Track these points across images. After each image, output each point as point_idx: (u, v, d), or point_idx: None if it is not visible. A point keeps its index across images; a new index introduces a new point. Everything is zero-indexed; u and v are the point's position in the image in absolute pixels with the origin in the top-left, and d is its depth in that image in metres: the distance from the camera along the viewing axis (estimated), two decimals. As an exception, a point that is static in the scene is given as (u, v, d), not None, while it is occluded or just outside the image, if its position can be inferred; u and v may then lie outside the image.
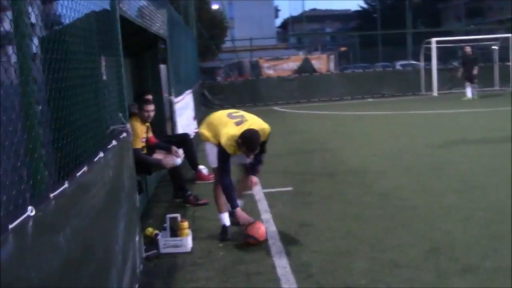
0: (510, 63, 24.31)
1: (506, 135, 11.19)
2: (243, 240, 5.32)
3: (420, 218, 6.00)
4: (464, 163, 9.02)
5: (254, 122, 5.50)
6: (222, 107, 22.16)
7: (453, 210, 6.22)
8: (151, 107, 6.70)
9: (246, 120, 5.44)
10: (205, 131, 5.68)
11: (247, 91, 23.49)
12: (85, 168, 2.79)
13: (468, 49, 21.71)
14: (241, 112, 5.63)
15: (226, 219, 5.66)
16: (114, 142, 3.59)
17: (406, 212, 6.24)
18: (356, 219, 6.07)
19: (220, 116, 5.60)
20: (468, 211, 6.16)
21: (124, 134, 4.01)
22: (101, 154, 3.17)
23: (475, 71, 21.09)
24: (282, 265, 4.71)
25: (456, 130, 13.10)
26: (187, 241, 5.16)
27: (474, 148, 10.37)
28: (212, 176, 7.87)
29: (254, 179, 5.76)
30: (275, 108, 21.84)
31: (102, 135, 3.61)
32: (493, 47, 26.53)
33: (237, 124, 5.37)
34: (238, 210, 5.43)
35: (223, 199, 5.60)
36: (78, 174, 2.67)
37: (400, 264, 4.62)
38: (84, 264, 2.60)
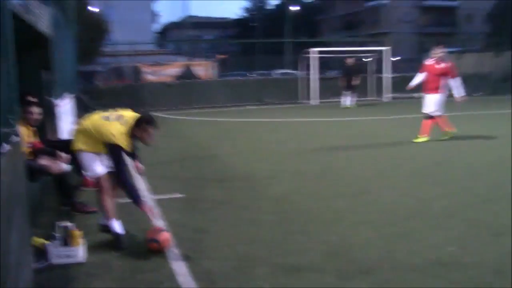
0: (382, 75, 25.59)
1: (386, 141, 11.74)
2: (146, 245, 5.09)
3: (314, 222, 6.08)
4: (349, 168, 9.32)
5: (130, 113, 5.42)
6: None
7: (345, 214, 6.37)
8: (37, 109, 6.30)
9: (122, 114, 5.35)
10: (78, 141, 5.41)
11: (128, 96, 22.84)
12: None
13: (349, 60, 22.80)
14: (111, 111, 5.49)
15: (118, 226, 5.41)
16: (6, 146, 3.29)
17: (301, 217, 6.31)
18: (252, 224, 6.04)
19: (96, 120, 5.37)
20: (359, 214, 6.34)
21: (17, 138, 3.70)
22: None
23: (356, 81, 22.25)
24: (182, 272, 4.56)
25: (339, 136, 13.57)
26: (80, 251, 4.86)
27: (358, 153, 10.76)
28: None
29: (140, 165, 5.84)
30: (157, 114, 21.46)
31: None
32: (366, 59, 27.85)
33: (117, 119, 5.26)
34: (146, 204, 5.35)
35: (111, 205, 5.42)
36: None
37: (301, 268, 4.64)
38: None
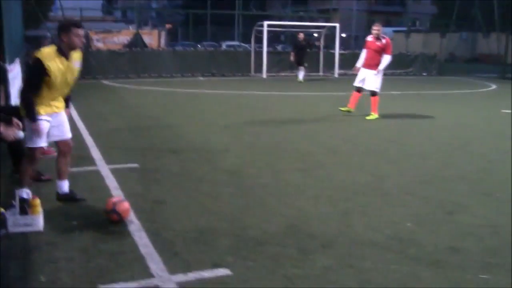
0: (335, 51, 25.79)
1: (337, 117, 11.92)
2: (106, 216, 5.03)
3: (272, 195, 6.14)
4: (303, 142, 9.41)
5: None
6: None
7: (302, 188, 6.45)
8: (-10, 74, 6.09)
9: None
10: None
11: (75, 63, 22.34)
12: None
13: (301, 35, 23.02)
14: None
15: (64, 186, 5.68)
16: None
17: (258, 190, 6.35)
18: (209, 196, 6.05)
19: None
20: (316, 189, 6.44)
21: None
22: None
23: (304, 57, 22.57)
24: (144, 243, 4.53)
25: (291, 110, 13.64)
26: (39, 220, 4.76)
27: (310, 127, 10.88)
28: (53, 150, 7.42)
29: (69, 111, 5.88)
30: (105, 82, 21.07)
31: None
32: (315, 34, 28.01)
33: None
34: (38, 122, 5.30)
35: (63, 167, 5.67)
36: None
37: (262, 241, 4.69)
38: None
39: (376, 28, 12.08)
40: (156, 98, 16.22)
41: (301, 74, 22.63)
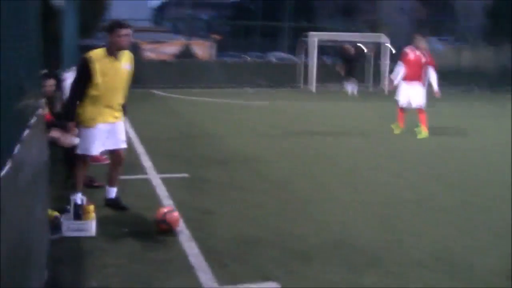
0: (381, 62, 25.55)
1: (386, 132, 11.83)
2: (155, 226, 5.11)
3: (319, 209, 6.15)
4: (350, 156, 9.38)
5: None
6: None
7: (351, 204, 6.40)
8: (50, 81, 6.29)
9: None
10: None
11: (126, 73, 22.80)
12: (18, 146, 2.54)
13: (349, 47, 22.79)
14: None
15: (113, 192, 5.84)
16: (35, 118, 3.30)
17: (305, 202, 6.38)
18: (257, 207, 6.10)
19: None
20: (365, 205, 6.37)
21: (40, 110, 3.71)
22: (27, 131, 2.90)
23: (353, 69, 22.34)
24: (193, 253, 4.60)
25: (341, 123, 13.57)
26: (92, 225, 4.89)
27: (358, 142, 10.82)
28: (105, 157, 7.61)
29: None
30: (155, 91, 21.41)
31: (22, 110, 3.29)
32: (364, 48, 27.76)
33: None
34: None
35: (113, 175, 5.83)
36: (15, 153, 2.42)
37: (310, 255, 4.68)
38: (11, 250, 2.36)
39: (421, 40, 11.64)
40: (204, 108, 16.41)
41: (350, 87, 22.30)
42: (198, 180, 7.24)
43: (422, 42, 11.56)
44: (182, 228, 5.20)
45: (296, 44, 26.76)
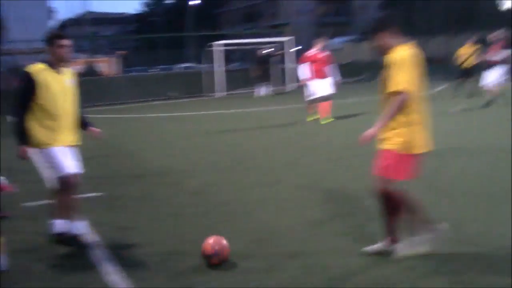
0: (284, 66, 26.07)
1: (296, 129, 12.04)
2: (206, 262, 4.59)
3: (236, 212, 6.20)
4: (263, 157, 9.51)
5: None
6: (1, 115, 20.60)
7: (265, 202, 6.52)
8: None
9: None
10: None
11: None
12: None
13: (259, 52, 23.30)
14: None
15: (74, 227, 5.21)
16: None
17: (222, 208, 6.41)
18: (174, 218, 6.08)
19: None
20: (278, 202, 6.51)
21: None
22: None
23: (266, 72, 22.95)
24: (111, 271, 4.52)
25: (251, 126, 13.69)
26: (4, 259, 4.68)
27: (271, 143, 10.99)
28: (10, 186, 7.33)
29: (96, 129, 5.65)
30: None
31: None
32: (264, 51, 28.28)
33: None
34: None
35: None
36: None
37: (231, 257, 4.71)
38: None
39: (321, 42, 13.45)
40: (114, 125, 16.10)
41: (263, 90, 22.87)
42: (113, 198, 7.13)
43: (321, 43, 13.31)
44: (101, 247, 5.11)
45: (202, 54, 26.85)
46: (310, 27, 67.67)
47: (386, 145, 4.31)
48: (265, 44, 27.95)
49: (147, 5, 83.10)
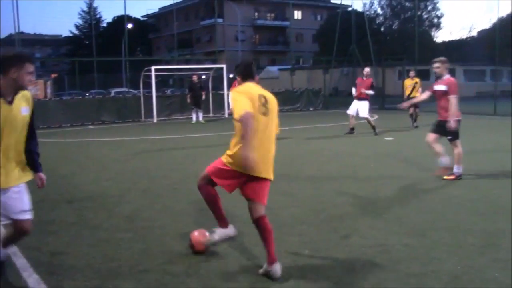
0: (224, 92, 26.26)
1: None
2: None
3: (170, 236, 6.21)
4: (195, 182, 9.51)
5: None
6: None
7: (201, 226, 6.54)
8: None
9: None
10: None
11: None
12: None
13: (195, 78, 23.50)
14: None
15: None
16: None
17: (156, 232, 6.40)
18: (109, 243, 6.03)
19: None
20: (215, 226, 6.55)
21: None
22: None
23: (203, 97, 23.07)
24: (46, 296, 4.47)
25: (185, 152, 13.71)
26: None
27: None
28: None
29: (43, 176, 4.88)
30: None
31: None
32: (203, 76, 28.57)
33: None
34: None
35: None
36: None
37: (165, 281, 4.75)
38: None
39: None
40: (46, 149, 15.66)
41: (200, 116, 23.16)
42: (43, 222, 6.97)
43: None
44: (30, 272, 5.03)
45: (137, 78, 26.75)
46: (246, 54, 68.46)
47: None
48: (199, 70, 28.19)
49: (79, 28, 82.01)
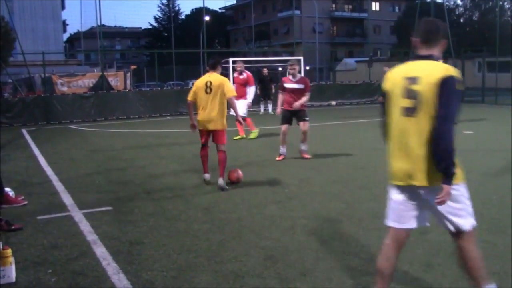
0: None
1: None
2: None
3: (247, 229, 6.15)
4: (274, 175, 9.45)
5: None
6: (11, 126, 20.76)
7: (277, 220, 6.47)
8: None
9: None
10: None
11: (40, 109, 22.11)
12: None
13: (265, 71, 23.74)
14: None
15: None
16: None
17: (233, 224, 6.36)
18: (186, 234, 6.04)
19: None
20: (290, 219, 6.46)
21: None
22: None
23: (272, 90, 23.14)
24: (123, 286, 4.49)
25: (260, 142, 13.66)
26: (11, 270, 4.65)
27: (285, 161, 10.91)
28: (22, 199, 7.43)
29: None
30: (71, 126, 20.92)
31: None
32: (279, 69, 28.54)
33: None
34: None
35: None
36: None
37: (242, 274, 4.69)
38: None
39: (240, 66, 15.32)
40: (125, 140, 16.14)
41: (269, 107, 23.42)
42: (122, 212, 7.09)
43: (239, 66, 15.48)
44: (109, 261, 5.08)
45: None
46: (323, 46, 67.92)
47: None
48: (276, 62, 28.13)
49: (158, 20, 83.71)
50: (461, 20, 64.68)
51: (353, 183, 8.60)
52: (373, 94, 28.95)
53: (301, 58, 26.52)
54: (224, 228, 6.20)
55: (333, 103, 26.05)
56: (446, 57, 21.04)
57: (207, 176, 8.76)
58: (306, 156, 11.02)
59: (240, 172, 8.79)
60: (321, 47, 66.29)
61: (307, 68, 25.82)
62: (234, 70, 15.09)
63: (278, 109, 11.20)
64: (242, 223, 6.39)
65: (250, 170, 9.99)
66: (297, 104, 10.70)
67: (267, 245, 5.51)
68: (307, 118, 10.92)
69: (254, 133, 14.84)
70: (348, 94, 28.45)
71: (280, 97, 11.22)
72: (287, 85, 10.91)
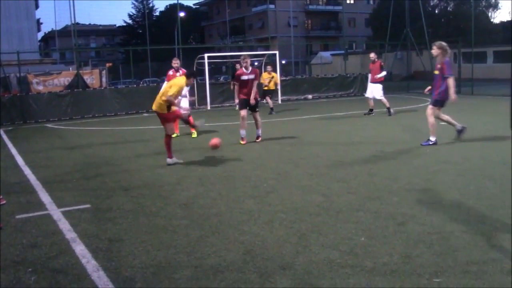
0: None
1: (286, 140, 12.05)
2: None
3: (226, 224, 6.19)
4: (252, 169, 9.50)
5: None
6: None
7: (255, 214, 6.52)
8: None
9: None
10: None
11: (16, 108, 21.96)
12: None
13: (238, 66, 23.48)
14: None
15: None
16: None
17: (212, 220, 6.39)
18: (165, 230, 6.06)
19: None
20: (269, 214, 6.52)
21: None
22: None
23: None
24: (103, 283, 4.51)
25: (237, 139, 13.69)
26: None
27: (263, 155, 10.97)
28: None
29: None
30: (48, 125, 20.77)
31: None
32: (255, 63, 28.52)
33: None
34: None
35: None
36: None
37: (221, 269, 4.73)
38: None
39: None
40: (102, 137, 16.07)
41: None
42: (101, 210, 7.08)
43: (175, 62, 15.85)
44: (88, 259, 5.09)
45: (191, 66, 26.90)
46: (298, 40, 68.06)
47: None
48: (254, 57, 28.08)
49: (133, 17, 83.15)
50: (436, 11, 65.23)
51: (331, 176, 8.68)
52: (349, 87, 29.17)
53: (277, 52, 26.64)
54: (203, 224, 6.24)
55: (309, 96, 26.30)
56: (372, 51, 21.33)
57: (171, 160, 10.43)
58: (258, 140, 13.01)
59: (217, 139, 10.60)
60: (296, 41, 66.44)
61: (283, 62, 25.87)
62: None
63: (236, 100, 13.00)
64: (221, 218, 6.43)
65: (227, 165, 10.05)
66: (253, 101, 12.60)
67: (246, 239, 5.56)
68: (257, 110, 12.94)
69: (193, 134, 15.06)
70: (324, 87, 28.62)
71: (237, 88, 12.99)
72: (244, 77, 12.67)
